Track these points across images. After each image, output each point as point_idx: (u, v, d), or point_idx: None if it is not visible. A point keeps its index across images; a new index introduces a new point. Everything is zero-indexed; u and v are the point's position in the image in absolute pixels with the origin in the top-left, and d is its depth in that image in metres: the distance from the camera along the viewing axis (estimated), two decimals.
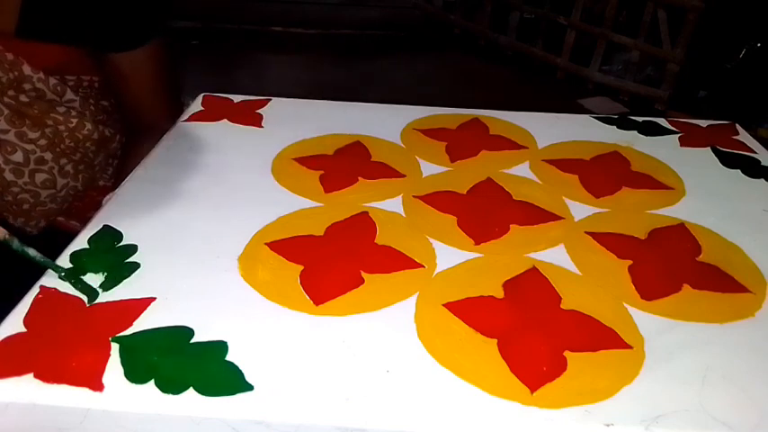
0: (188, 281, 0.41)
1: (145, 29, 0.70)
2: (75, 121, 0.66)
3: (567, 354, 0.36)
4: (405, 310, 0.40)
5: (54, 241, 0.45)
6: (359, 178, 0.55)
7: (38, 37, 0.63)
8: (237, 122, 0.64)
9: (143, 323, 0.37)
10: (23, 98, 0.63)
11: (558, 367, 0.35)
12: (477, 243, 0.47)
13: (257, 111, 0.68)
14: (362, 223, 0.48)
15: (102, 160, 0.71)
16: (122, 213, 0.48)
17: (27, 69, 0.63)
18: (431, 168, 0.58)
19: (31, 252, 0.41)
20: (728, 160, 0.61)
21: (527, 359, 0.36)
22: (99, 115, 0.70)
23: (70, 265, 0.42)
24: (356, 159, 0.58)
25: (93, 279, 0.41)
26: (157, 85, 0.73)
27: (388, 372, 0.35)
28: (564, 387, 0.34)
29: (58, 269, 0.41)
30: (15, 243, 0.40)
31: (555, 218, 0.50)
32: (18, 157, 0.51)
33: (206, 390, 0.33)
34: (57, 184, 0.68)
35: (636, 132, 0.66)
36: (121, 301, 0.39)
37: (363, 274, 0.42)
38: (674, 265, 0.45)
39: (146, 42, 0.69)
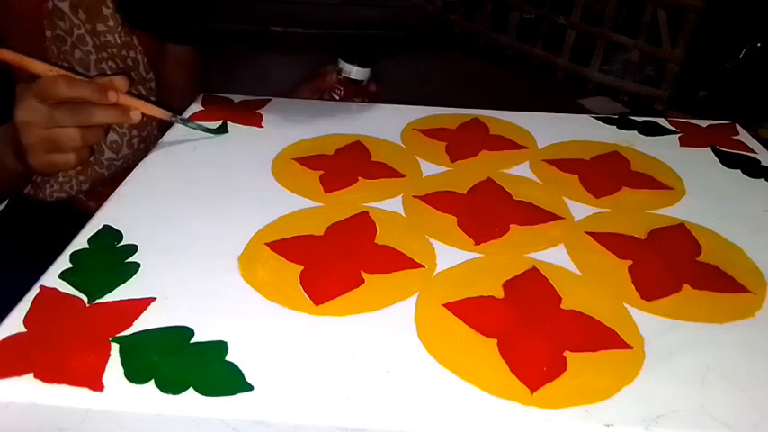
0: (188, 281, 0.41)
1: (192, 27, 0.79)
2: (153, 99, 0.73)
3: (567, 354, 0.36)
4: (405, 310, 0.40)
5: (69, 218, 0.47)
6: (359, 178, 0.55)
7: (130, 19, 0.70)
8: (237, 122, 0.64)
9: (143, 323, 0.37)
10: (121, 64, 0.71)
11: (558, 367, 0.35)
12: (477, 243, 0.47)
13: (257, 111, 0.68)
14: (362, 223, 0.48)
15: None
16: (122, 213, 0.48)
17: (135, 41, 0.71)
18: (431, 168, 0.58)
19: (191, 124, 0.59)
20: (728, 160, 0.61)
21: (527, 359, 0.36)
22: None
23: (70, 265, 0.42)
24: (356, 159, 0.58)
25: (94, 279, 0.41)
26: (187, 84, 0.79)
27: (388, 372, 0.35)
28: (564, 387, 0.34)
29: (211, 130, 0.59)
30: (179, 120, 0.58)
31: (555, 218, 0.50)
32: (134, 117, 0.56)
33: (206, 390, 0.33)
34: (120, 151, 0.73)
35: (636, 132, 0.66)
36: (121, 301, 0.39)
37: (363, 274, 0.42)
38: (674, 265, 0.45)
39: (193, 42, 0.79)
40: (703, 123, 0.69)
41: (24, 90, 0.52)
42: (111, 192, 0.52)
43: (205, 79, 0.84)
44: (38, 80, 0.52)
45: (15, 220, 0.72)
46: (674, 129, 0.67)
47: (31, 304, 0.38)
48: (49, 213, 0.73)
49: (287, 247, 0.45)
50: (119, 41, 0.69)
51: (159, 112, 0.58)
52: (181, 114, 0.63)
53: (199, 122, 0.62)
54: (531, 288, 0.42)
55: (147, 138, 0.75)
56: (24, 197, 0.71)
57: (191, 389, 0.33)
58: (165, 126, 0.65)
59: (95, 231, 0.46)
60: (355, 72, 0.69)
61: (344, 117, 0.67)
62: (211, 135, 0.61)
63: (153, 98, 0.75)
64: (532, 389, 0.34)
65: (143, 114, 0.56)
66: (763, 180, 0.58)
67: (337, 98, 0.71)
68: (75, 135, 0.52)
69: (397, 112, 0.69)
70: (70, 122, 0.52)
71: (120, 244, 0.45)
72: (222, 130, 0.63)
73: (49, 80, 0.51)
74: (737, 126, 0.68)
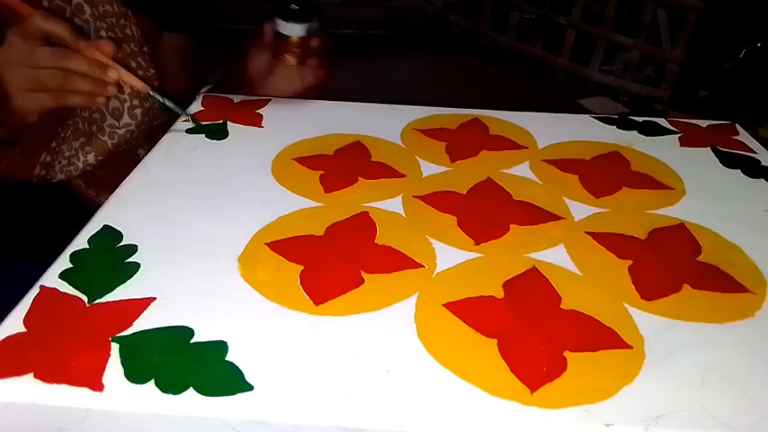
0: (188, 281, 0.41)
1: (188, 16, 0.79)
2: (152, 72, 0.73)
3: (567, 354, 0.36)
4: (405, 310, 0.40)
5: (69, 206, 0.48)
6: (359, 178, 0.55)
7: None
8: (237, 122, 0.64)
9: (143, 323, 0.37)
10: (120, 34, 0.70)
11: (558, 367, 0.35)
12: (477, 243, 0.47)
13: (257, 111, 0.68)
14: (362, 223, 0.48)
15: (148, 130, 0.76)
16: (122, 213, 0.48)
17: (130, 13, 0.71)
18: (431, 168, 0.58)
19: (168, 102, 0.58)
20: (728, 160, 0.61)
21: (527, 359, 0.36)
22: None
23: (70, 265, 0.42)
24: (356, 159, 0.58)
25: (93, 279, 0.41)
26: (180, 73, 0.79)
27: (388, 372, 0.35)
28: (564, 387, 0.34)
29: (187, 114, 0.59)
30: (161, 101, 0.58)
31: (555, 218, 0.50)
32: (111, 74, 0.58)
33: (206, 390, 0.33)
34: (121, 119, 0.73)
35: (636, 132, 0.66)
36: (121, 301, 0.39)
37: (363, 274, 0.42)
38: (674, 265, 0.45)
39: (188, 30, 0.79)
40: (703, 123, 0.69)
41: (8, 35, 0.54)
42: (109, 178, 0.52)
43: (200, 70, 0.84)
44: (21, 24, 0.53)
45: (11, 207, 0.72)
46: (674, 129, 0.67)
47: (31, 304, 0.38)
48: (47, 200, 0.73)
49: (287, 247, 0.45)
50: (116, 11, 0.70)
51: (136, 82, 0.59)
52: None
53: (171, 102, 0.62)
54: (531, 288, 0.42)
55: (150, 111, 0.75)
56: (31, 181, 0.72)
57: (191, 389, 0.33)
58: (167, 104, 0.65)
59: (95, 231, 0.46)
60: (290, 28, 0.66)
61: (344, 117, 0.67)
62: (182, 114, 0.62)
63: (152, 70, 0.75)
64: (532, 389, 0.34)
65: (121, 81, 0.57)
66: (763, 180, 0.58)
67: (280, 58, 0.69)
68: (57, 74, 0.54)
69: (397, 112, 0.69)
70: (49, 62, 0.54)
71: (120, 244, 0.45)
72: (197, 125, 0.62)
73: (29, 16, 0.53)
74: (737, 126, 0.68)
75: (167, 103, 0.61)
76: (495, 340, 0.37)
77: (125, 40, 0.72)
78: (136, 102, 0.73)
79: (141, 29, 0.73)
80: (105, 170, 0.74)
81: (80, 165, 0.73)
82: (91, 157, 0.73)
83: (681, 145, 0.64)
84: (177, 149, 0.59)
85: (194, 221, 0.48)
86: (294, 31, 0.65)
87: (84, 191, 0.75)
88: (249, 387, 0.33)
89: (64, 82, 0.55)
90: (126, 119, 0.73)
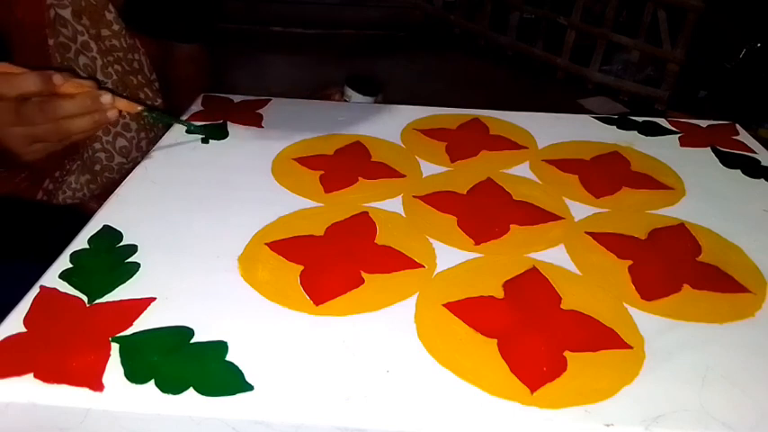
0: (188, 281, 0.41)
1: (201, 27, 0.80)
2: (159, 101, 0.74)
3: (567, 354, 0.36)
4: (405, 310, 0.40)
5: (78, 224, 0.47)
6: (359, 178, 0.55)
7: (134, 25, 0.71)
8: (237, 122, 0.64)
9: (143, 323, 0.37)
10: (128, 68, 0.71)
11: (558, 367, 0.35)
12: (477, 243, 0.47)
13: (257, 111, 0.68)
14: (362, 223, 0.48)
15: None
16: (122, 213, 0.48)
17: (138, 44, 0.71)
18: (431, 168, 0.58)
19: (166, 117, 0.58)
20: (728, 160, 0.61)
21: (527, 359, 0.36)
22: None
23: (70, 265, 0.42)
24: (356, 159, 0.58)
25: (93, 279, 0.41)
26: (198, 81, 0.80)
27: (388, 372, 0.35)
28: (564, 387, 0.34)
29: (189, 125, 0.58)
30: (153, 115, 0.57)
31: (555, 218, 0.50)
32: (111, 115, 0.55)
33: (206, 390, 0.33)
34: (130, 155, 0.73)
35: (636, 132, 0.66)
36: (121, 301, 0.39)
37: (363, 274, 0.42)
38: (674, 265, 0.45)
39: (201, 40, 0.80)
40: (703, 123, 0.69)
41: None
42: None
43: (216, 72, 0.85)
44: None
45: (21, 222, 0.72)
46: (674, 129, 0.67)
47: (31, 304, 0.38)
48: (58, 217, 0.73)
49: (287, 247, 0.45)
50: (124, 45, 0.69)
51: (125, 104, 0.56)
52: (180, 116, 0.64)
53: (161, 114, 0.61)
54: (531, 288, 0.42)
55: (155, 139, 0.75)
56: (35, 202, 0.71)
57: (191, 389, 0.33)
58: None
59: (95, 231, 0.46)
60: (360, 99, 0.71)
61: (344, 117, 0.67)
62: (184, 126, 0.61)
63: (159, 100, 0.76)
64: (532, 389, 0.34)
65: (118, 110, 0.55)
66: (763, 180, 0.58)
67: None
68: (54, 128, 0.52)
69: (397, 112, 0.69)
70: (41, 119, 0.52)
71: (120, 244, 0.45)
72: (195, 130, 0.62)
73: None
74: (737, 126, 0.68)
75: (156, 116, 0.61)
76: (495, 340, 0.37)
77: (133, 73, 0.71)
78: (142, 135, 0.73)
79: (150, 55, 0.74)
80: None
81: (85, 198, 0.73)
82: (97, 191, 0.74)
83: (681, 145, 0.64)
84: (177, 149, 0.59)
85: (194, 221, 0.48)
86: (361, 101, 0.70)
87: (88, 205, 0.75)
88: (249, 387, 0.33)
89: (63, 130, 0.53)
90: (134, 153, 0.74)
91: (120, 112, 0.55)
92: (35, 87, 0.51)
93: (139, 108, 0.57)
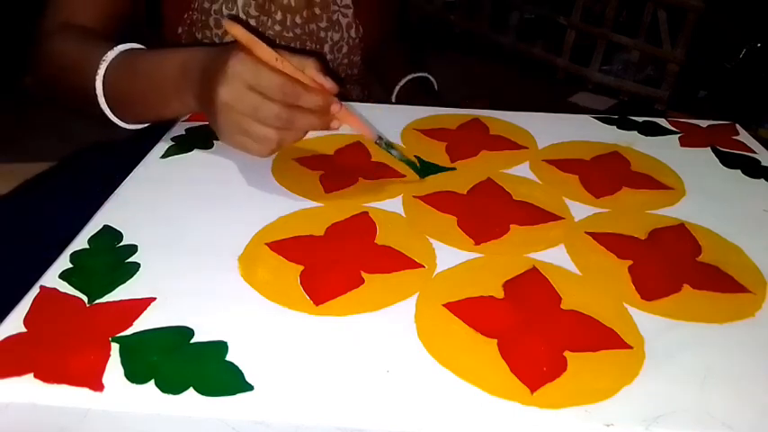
0: (188, 281, 0.41)
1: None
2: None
3: (567, 354, 0.36)
4: (405, 310, 0.40)
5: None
6: (359, 178, 0.55)
7: None
8: None
9: (143, 323, 0.37)
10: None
11: (558, 367, 0.35)
12: (477, 243, 0.47)
13: None
14: (362, 223, 0.48)
15: None
16: (122, 213, 0.48)
17: None
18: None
19: (394, 152, 0.56)
20: (728, 160, 0.61)
21: (527, 359, 0.36)
22: None
23: (70, 265, 0.42)
24: (356, 159, 0.58)
25: (93, 279, 0.41)
26: (398, 59, 0.86)
27: (388, 372, 0.35)
28: (564, 387, 0.34)
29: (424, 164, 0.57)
30: (383, 144, 0.56)
31: (555, 218, 0.50)
32: (334, 125, 0.57)
33: (206, 390, 0.33)
34: None
35: (636, 132, 0.66)
36: (121, 301, 0.39)
37: (363, 274, 0.42)
38: (674, 265, 0.45)
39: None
40: (703, 123, 0.69)
41: (236, 71, 0.51)
42: None
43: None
44: (256, 68, 0.51)
45: None
46: (674, 129, 0.67)
47: (31, 304, 0.38)
48: None
49: (287, 247, 0.45)
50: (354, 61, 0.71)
51: (367, 131, 0.56)
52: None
53: (402, 153, 0.57)
54: (531, 288, 0.42)
55: None
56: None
57: (191, 389, 0.33)
58: None
59: (95, 231, 0.46)
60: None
61: None
62: (409, 164, 0.57)
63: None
64: (532, 389, 0.34)
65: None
66: (763, 180, 0.58)
67: None
68: (272, 136, 0.53)
69: (397, 112, 0.69)
70: (272, 123, 0.52)
71: (120, 244, 0.45)
72: (430, 169, 0.57)
73: (269, 78, 0.50)
74: (737, 126, 0.68)
75: (398, 155, 0.57)
76: (496, 340, 0.37)
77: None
78: None
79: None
80: None
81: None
82: None
83: (681, 145, 0.64)
84: (177, 149, 0.59)
85: (194, 221, 0.48)
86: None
87: None
88: (249, 387, 0.33)
89: (281, 137, 0.53)
90: None
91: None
92: (314, 106, 0.52)
93: (372, 136, 0.56)
